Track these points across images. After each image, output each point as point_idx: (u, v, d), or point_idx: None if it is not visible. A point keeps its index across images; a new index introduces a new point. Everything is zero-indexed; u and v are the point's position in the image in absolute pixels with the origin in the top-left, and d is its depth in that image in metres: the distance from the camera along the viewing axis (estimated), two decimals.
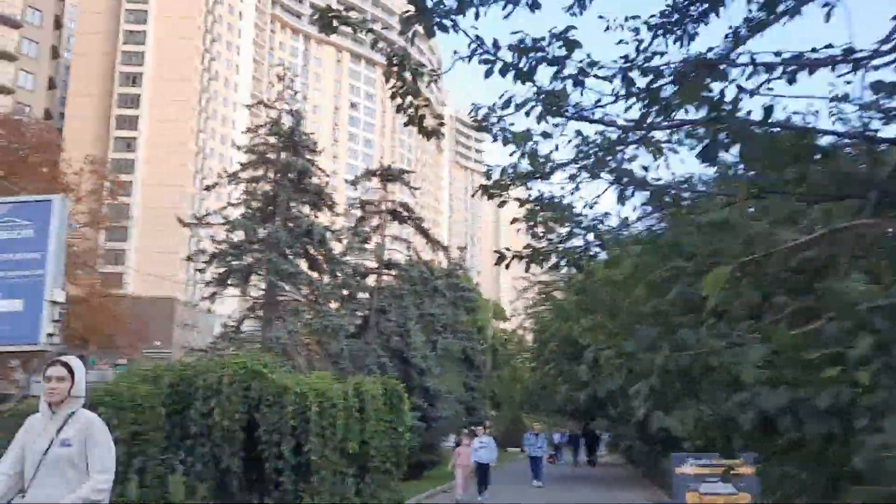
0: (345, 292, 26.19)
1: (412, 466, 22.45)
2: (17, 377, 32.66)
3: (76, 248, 30.76)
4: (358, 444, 14.82)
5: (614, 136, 5.18)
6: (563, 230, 6.00)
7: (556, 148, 5.31)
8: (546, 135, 5.20)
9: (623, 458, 51.37)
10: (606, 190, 5.33)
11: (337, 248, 25.79)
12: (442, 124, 5.79)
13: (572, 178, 5.52)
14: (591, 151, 5.25)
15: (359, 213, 27.16)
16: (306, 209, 24.70)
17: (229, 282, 22.70)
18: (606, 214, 5.98)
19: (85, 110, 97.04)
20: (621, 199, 5.29)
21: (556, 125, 5.10)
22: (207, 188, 24.98)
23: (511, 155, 5.45)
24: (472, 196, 6.92)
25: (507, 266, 5.94)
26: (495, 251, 5.91)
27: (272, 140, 25.18)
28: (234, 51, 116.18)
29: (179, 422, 14.81)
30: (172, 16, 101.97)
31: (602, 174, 5.26)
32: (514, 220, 6.19)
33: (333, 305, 24.99)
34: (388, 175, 26.46)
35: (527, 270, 6.59)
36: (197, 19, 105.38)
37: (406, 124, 4.95)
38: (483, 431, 21.65)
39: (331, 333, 22.10)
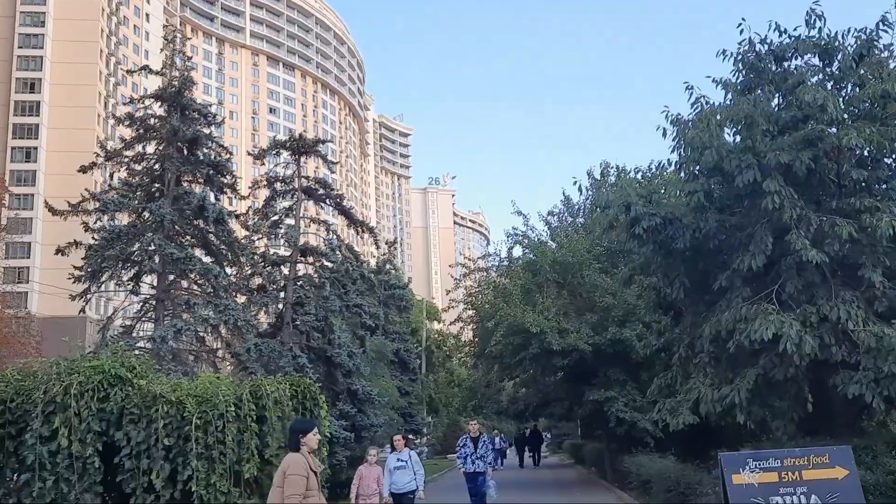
0: (257, 283, 22.23)
1: (337, 486, 18.70)
2: None
3: None
4: (257, 465, 11.09)
5: None
6: None
7: None
8: None
9: (569, 457, 48.78)
10: None
11: (245, 235, 21.82)
12: None
13: None
14: None
15: (267, 192, 23.14)
16: (203, 189, 20.64)
17: (104, 277, 18.48)
18: None
19: None
20: None
21: None
22: (82, 169, 20.65)
23: None
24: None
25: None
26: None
27: (159, 111, 21.09)
28: (141, 54, 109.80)
29: (14, 449, 10.98)
30: (73, 18, 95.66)
31: None
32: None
33: (241, 300, 21.00)
34: (301, 146, 22.62)
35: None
36: (100, 21, 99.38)
37: None
38: (402, 444, 13.69)
39: (233, 331, 18.16)
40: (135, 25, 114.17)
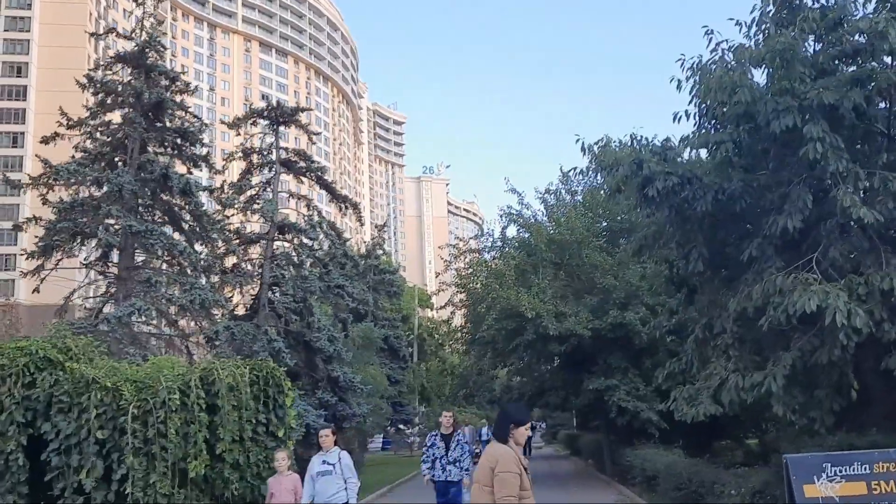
0: (232, 263, 20.56)
1: None
2: None
3: None
4: (206, 462, 9.46)
5: None
6: None
7: None
8: None
9: (564, 448, 47.32)
10: None
11: (217, 210, 20.11)
12: None
13: None
14: None
15: (243, 166, 21.38)
16: (171, 159, 18.91)
17: (58, 253, 16.77)
18: None
19: None
20: None
21: None
22: (44, 140, 18.91)
23: None
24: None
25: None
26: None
27: (126, 77, 19.36)
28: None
29: None
30: (58, 17, 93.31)
31: None
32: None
33: (215, 279, 19.33)
34: (280, 115, 20.86)
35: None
36: (88, 4, 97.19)
37: None
38: (331, 441, 9.87)
39: (199, 312, 16.49)
40: (124, 9, 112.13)
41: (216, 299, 16.61)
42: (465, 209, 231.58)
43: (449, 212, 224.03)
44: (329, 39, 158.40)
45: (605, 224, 25.45)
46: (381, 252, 43.14)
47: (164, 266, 17.66)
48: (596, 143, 11.80)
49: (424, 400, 59.77)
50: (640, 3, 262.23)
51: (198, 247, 19.66)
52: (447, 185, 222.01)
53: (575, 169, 27.00)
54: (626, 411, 21.45)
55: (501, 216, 25.95)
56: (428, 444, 11.74)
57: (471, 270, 25.30)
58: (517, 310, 21.92)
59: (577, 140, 11.90)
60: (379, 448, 51.47)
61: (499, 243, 26.14)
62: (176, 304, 16.41)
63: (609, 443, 25.37)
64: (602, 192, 25.46)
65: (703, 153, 11.33)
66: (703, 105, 10.38)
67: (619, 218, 24.86)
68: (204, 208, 18.30)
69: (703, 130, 10.52)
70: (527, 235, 25.38)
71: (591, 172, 11.50)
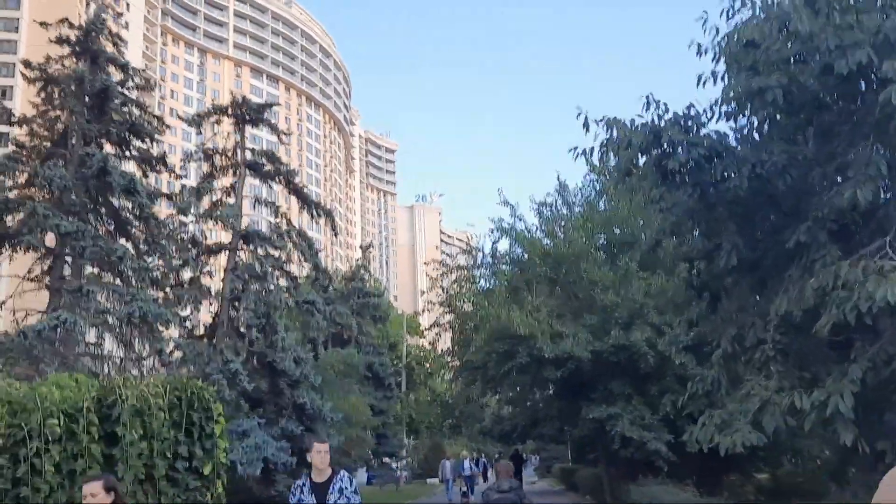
0: (188, 276, 18.34)
1: None
2: None
3: None
4: None
5: None
6: None
7: None
8: None
9: (559, 483, 44.77)
10: None
11: (168, 214, 17.92)
12: None
13: None
14: None
15: (206, 169, 19.25)
16: (120, 155, 16.77)
17: None
18: None
19: None
20: None
21: None
22: None
23: None
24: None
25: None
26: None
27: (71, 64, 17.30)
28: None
29: None
30: (47, 19, 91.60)
31: None
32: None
33: (162, 293, 17.08)
34: (246, 113, 18.79)
35: None
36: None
37: None
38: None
39: (143, 327, 14.25)
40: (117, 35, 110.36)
41: (160, 313, 14.35)
42: (458, 238, 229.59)
43: (442, 241, 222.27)
44: (321, 66, 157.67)
45: (603, 239, 23.38)
46: (365, 274, 40.89)
47: (105, 275, 15.40)
48: (603, 118, 9.70)
49: (412, 432, 57.15)
50: (638, 23, 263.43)
51: (152, 259, 17.46)
52: (440, 214, 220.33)
53: (579, 180, 24.94)
54: (631, 442, 19.16)
55: (493, 230, 23.84)
56: (292, 501, 6.83)
57: (458, 288, 23.14)
58: (509, 330, 19.74)
59: (579, 114, 9.80)
60: (364, 482, 48.86)
61: (489, 259, 24.00)
62: (115, 317, 14.14)
63: (609, 477, 23.01)
64: (604, 195, 23.53)
65: (732, 133, 9.30)
66: (735, 62, 8.30)
67: (616, 231, 22.85)
68: (152, 211, 16.07)
69: (738, 87, 8.39)
70: (520, 251, 23.29)
71: (597, 154, 9.30)
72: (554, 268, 21.63)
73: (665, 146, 8.65)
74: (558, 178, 24.56)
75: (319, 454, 6.94)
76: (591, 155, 9.74)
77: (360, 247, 41.37)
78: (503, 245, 23.45)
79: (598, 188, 24.73)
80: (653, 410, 19.68)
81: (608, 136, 9.50)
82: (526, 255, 22.72)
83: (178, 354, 16.58)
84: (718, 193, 8.97)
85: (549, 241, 22.68)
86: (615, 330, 19.64)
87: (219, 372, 15.24)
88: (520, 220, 23.32)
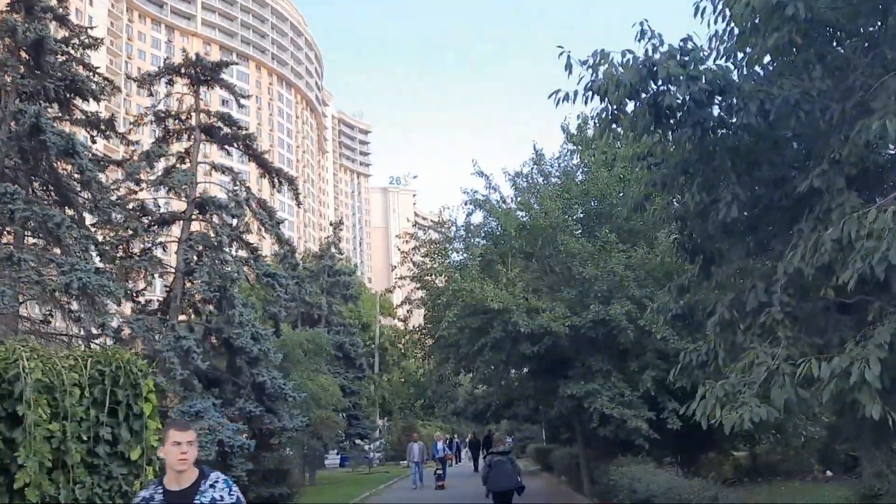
0: (140, 247, 17.04)
1: None
2: None
3: None
4: None
5: None
6: None
7: None
8: None
9: (534, 464, 44.17)
10: None
11: (120, 182, 16.59)
12: None
13: None
14: None
15: (156, 132, 17.88)
16: (63, 123, 15.37)
17: None
18: None
19: None
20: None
21: None
22: None
23: None
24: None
25: None
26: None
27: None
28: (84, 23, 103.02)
29: None
30: None
31: None
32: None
33: (110, 265, 15.78)
34: (200, 73, 17.43)
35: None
36: None
37: None
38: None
39: (80, 299, 12.98)
40: (76, 8, 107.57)
41: (103, 285, 13.08)
42: (433, 220, 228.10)
43: (416, 223, 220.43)
44: (292, 45, 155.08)
45: (581, 212, 22.42)
46: (336, 252, 39.62)
47: (39, 244, 14.08)
48: (589, 58, 8.60)
49: (386, 413, 56.18)
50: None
51: (100, 230, 16.14)
52: (414, 196, 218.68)
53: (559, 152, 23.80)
54: (610, 420, 18.29)
55: (466, 203, 22.71)
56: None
57: (430, 262, 22.03)
58: (482, 305, 18.72)
59: (561, 54, 8.69)
60: (337, 464, 47.86)
61: (462, 232, 22.86)
62: (49, 289, 12.84)
63: (587, 457, 22.19)
64: (582, 165, 22.54)
65: (736, 71, 8.24)
66: None
67: (595, 204, 21.92)
68: (94, 175, 14.72)
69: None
70: (494, 224, 22.23)
71: (581, 97, 8.21)
72: (530, 241, 20.63)
73: (661, 84, 7.59)
74: (534, 148, 23.52)
75: (179, 448, 4.50)
76: (575, 99, 8.65)
77: (330, 223, 40.06)
78: (477, 218, 22.34)
79: (575, 159, 23.77)
80: (633, 387, 18.84)
81: (593, 78, 8.43)
82: (500, 228, 21.69)
83: (128, 332, 15.32)
84: (718, 139, 7.96)
85: (524, 214, 21.67)
86: (594, 304, 18.72)
87: (169, 349, 14.04)
88: (495, 190, 22.28)
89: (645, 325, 18.64)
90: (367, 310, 56.81)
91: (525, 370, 23.71)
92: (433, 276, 21.73)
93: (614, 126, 8.80)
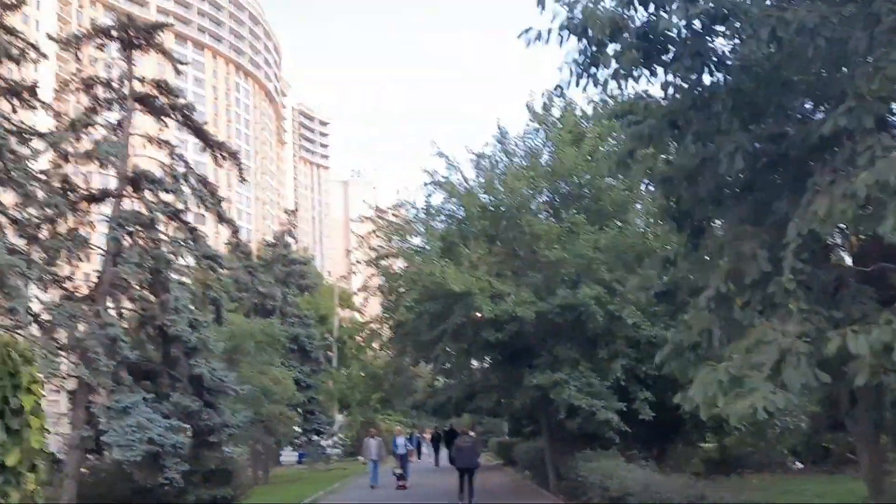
0: (65, 228, 15.41)
1: None
2: None
3: None
4: None
5: None
6: None
7: None
8: None
9: (496, 458, 43.10)
10: None
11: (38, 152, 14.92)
12: None
13: None
14: None
15: (83, 101, 16.22)
16: None
17: None
18: None
19: None
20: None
21: None
22: None
23: None
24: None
25: None
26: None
27: None
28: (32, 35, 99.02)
29: None
30: None
31: None
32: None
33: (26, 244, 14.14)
34: (133, 37, 15.82)
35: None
36: None
37: None
38: None
39: None
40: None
41: (14, 265, 11.51)
42: (393, 214, 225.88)
43: (376, 208, 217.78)
44: (251, 34, 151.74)
45: (547, 194, 21.23)
46: (290, 240, 38.01)
47: None
48: None
49: (344, 408, 54.59)
50: None
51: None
52: (374, 189, 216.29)
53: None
54: (578, 411, 17.16)
55: (426, 184, 21.37)
56: None
57: (388, 244, 20.70)
58: (442, 288, 17.47)
59: None
60: (295, 461, 46.18)
61: (422, 214, 21.54)
62: None
63: (553, 451, 21.06)
64: (547, 144, 21.35)
65: None
66: None
67: (562, 186, 20.77)
68: (11, 146, 13.08)
69: None
70: (456, 206, 20.97)
71: (555, 36, 6.93)
72: (493, 222, 19.42)
73: (652, 11, 6.38)
74: (498, 126, 22.27)
75: None
76: (549, 38, 7.40)
77: (285, 210, 38.43)
78: (437, 199, 21.02)
79: (540, 137, 22.60)
80: (602, 376, 17.78)
81: (570, 16, 7.19)
82: (462, 210, 20.44)
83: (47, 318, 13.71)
84: (716, 85, 6.79)
85: (487, 197, 20.44)
86: (561, 288, 17.60)
87: (92, 337, 12.53)
88: (456, 168, 21.00)
89: (615, 310, 17.69)
90: (326, 301, 55.14)
91: (488, 360, 22.57)
92: (390, 260, 20.41)
93: (593, 70, 7.57)
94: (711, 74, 7.04)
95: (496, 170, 21.38)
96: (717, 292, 7.50)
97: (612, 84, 7.79)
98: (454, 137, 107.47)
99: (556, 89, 7.92)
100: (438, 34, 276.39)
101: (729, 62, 6.96)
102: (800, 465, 22.74)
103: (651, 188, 13.27)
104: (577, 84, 7.99)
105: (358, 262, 21.84)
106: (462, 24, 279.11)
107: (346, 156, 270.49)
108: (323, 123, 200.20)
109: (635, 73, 7.33)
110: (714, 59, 6.62)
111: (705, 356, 7.81)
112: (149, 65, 18.94)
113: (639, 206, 20.87)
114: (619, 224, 18.90)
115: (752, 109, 7.07)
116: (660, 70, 7.33)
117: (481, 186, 20.88)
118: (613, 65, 7.35)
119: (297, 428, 36.46)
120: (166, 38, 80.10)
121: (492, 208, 19.57)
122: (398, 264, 21.19)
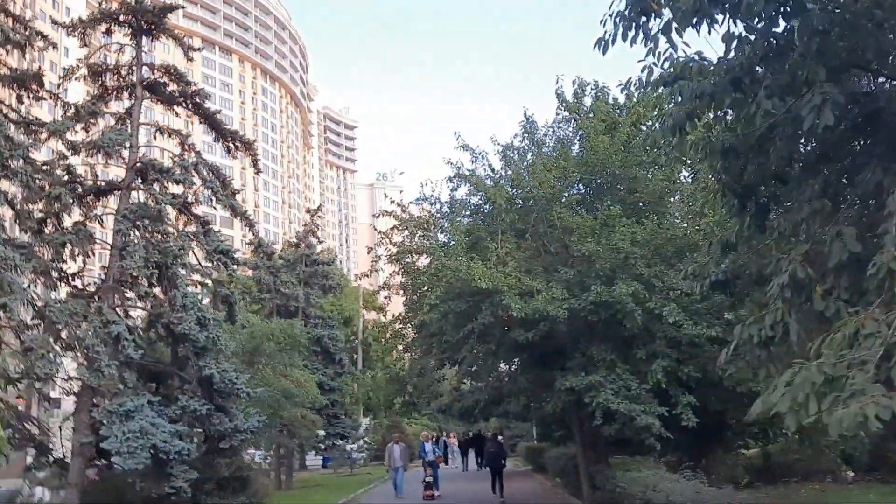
0: (73, 220, 14.58)
1: None
2: None
3: None
4: None
5: None
6: None
7: None
8: None
9: (525, 463, 41.87)
10: None
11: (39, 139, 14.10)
12: None
13: None
14: None
15: (91, 90, 15.39)
16: None
17: None
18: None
19: None
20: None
21: None
22: None
23: None
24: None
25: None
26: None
27: None
28: (61, 50, 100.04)
29: None
30: None
31: None
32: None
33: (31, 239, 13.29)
34: (143, 21, 14.98)
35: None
36: None
37: None
38: None
39: None
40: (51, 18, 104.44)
41: (6, 257, 10.65)
42: (420, 208, 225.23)
43: (399, 203, 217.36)
44: (277, 38, 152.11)
45: (579, 185, 20.06)
46: (314, 239, 37.19)
47: None
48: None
49: (369, 411, 53.74)
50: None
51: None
52: (401, 192, 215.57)
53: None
54: (617, 416, 15.95)
55: (451, 178, 20.31)
56: None
57: (411, 240, 19.67)
58: (469, 286, 16.38)
59: None
60: (319, 465, 45.30)
61: (447, 209, 20.46)
62: None
63: (586, 458, 19.85)
64: (579, 134, 20.17)
65: None
66: None
67: (594, 175, 19.58)
68: (8, 133, 12.25)
69: None
70: (480, 199, 19.92)
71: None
72: (522, 215, 18.30)
73: None
74: (525, 115, 21.16)
75: None
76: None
77: (307, 210, 37.62)
78: (462, 192, 19.96)
79: (572, 127, 21.43)
80: (640, 379, 16.57)
81: None
82: (489, 205, 19.36)
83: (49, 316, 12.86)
84: (791, 31, 5.65)
85: (515, 190, 19.34)
86: (595, 285, 16.42)
87: (94, 336, 11.65)
88: (482, 157, 19.92)
89: (654, 308, 16.49)
90: (350, 303, 54.34)
91: (516, 362, 21.45)
92: (413, 256, 19.36)
93: (643, 20, 6.46)
94: (787, 21, 5.90)
95: (524, 161, 20.29)
96: (793, 278, 6.34)
97: (663, 42, 6.70)
98: (483, 140, 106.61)
99: (597, 44, 6.81)
100: (467, 39, 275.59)
101: (809, 3, 5.80)
102: (852, 475, 21.28)
103: (698, 170, 12.04)
104: (624, 38, 6.86)
105: (379, 257, 20.78)
106: (489, 29, 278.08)
107: (373, 159, 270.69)
108: (349, 127, 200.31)
109: (694, 21, 6.20)
110: (791, 1, 5.49)
111: (776, 354, 6.67)
112: (165, 57, 18.08)
113: (676, 198, 19.71)
114: (657, 216, 17.67)
115: (838, 60, 5.91)
116: (721, 20, 6.23)
117: (509, 179, 19.80)
118: (667, 14, 6.29)
119: (320, 432, 35.58)
120: (194, 42, 79.71)
121: (520, 201, 18.49)
122: (422, 261, 20.16)
